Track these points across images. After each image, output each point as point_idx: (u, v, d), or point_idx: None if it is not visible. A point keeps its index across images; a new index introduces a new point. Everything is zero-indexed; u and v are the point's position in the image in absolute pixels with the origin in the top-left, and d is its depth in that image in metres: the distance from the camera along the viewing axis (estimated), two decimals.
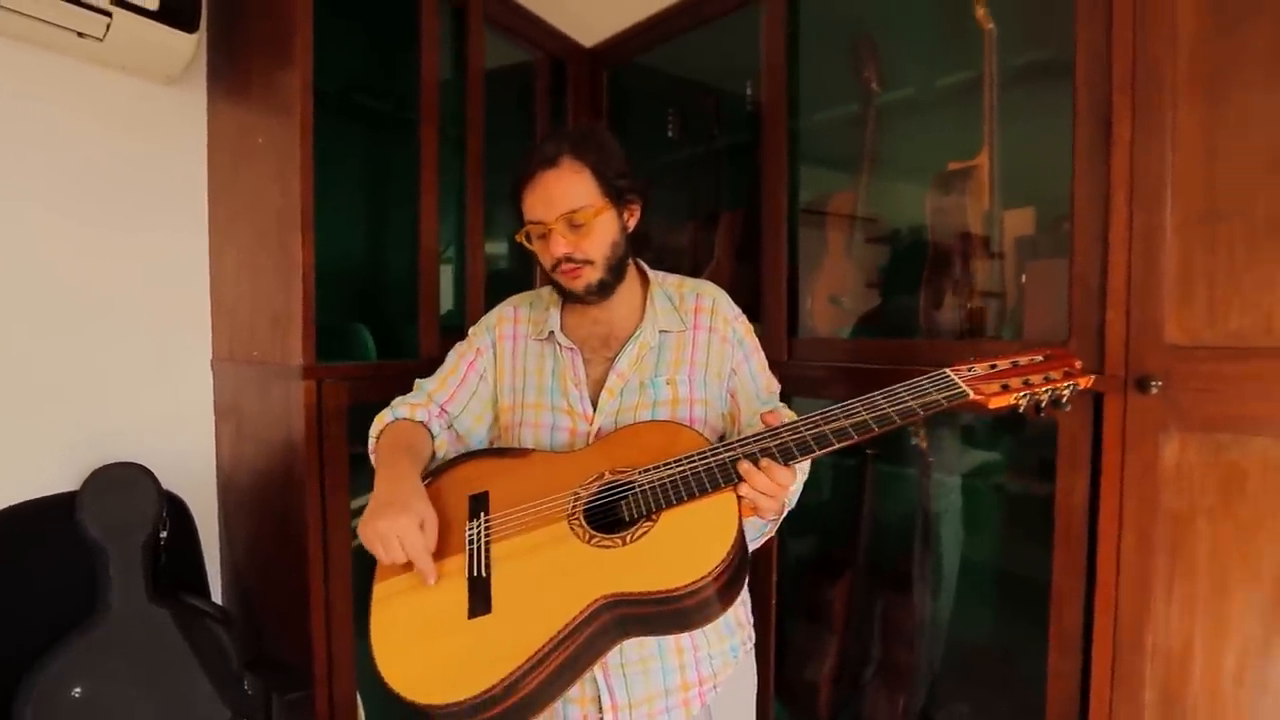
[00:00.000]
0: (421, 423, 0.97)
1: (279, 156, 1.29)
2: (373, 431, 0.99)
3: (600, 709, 0.86)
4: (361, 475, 1.52)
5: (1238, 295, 0.90)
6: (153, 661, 1.18)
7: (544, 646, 0.68)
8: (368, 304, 1.75)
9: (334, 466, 1.30)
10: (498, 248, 1.90)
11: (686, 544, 0.73)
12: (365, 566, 0.86)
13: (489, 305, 1.64)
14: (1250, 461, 0.90)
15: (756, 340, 1.01)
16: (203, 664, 1.22)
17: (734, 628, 0.95)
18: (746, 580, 0.97)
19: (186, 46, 1.31)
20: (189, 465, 1.50)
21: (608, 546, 0.75)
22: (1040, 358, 0.79)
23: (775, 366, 1.13)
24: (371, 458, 0.96)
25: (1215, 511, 0.93)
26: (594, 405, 0.92)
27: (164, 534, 1.27)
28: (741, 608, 0.97)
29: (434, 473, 0.93)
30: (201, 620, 1.25)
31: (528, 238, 0.93)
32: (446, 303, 1.68)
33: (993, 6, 1.26)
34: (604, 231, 0.90)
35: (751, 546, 0.93)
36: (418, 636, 0.75)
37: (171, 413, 1.48)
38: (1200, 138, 0.93)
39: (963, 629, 1.44)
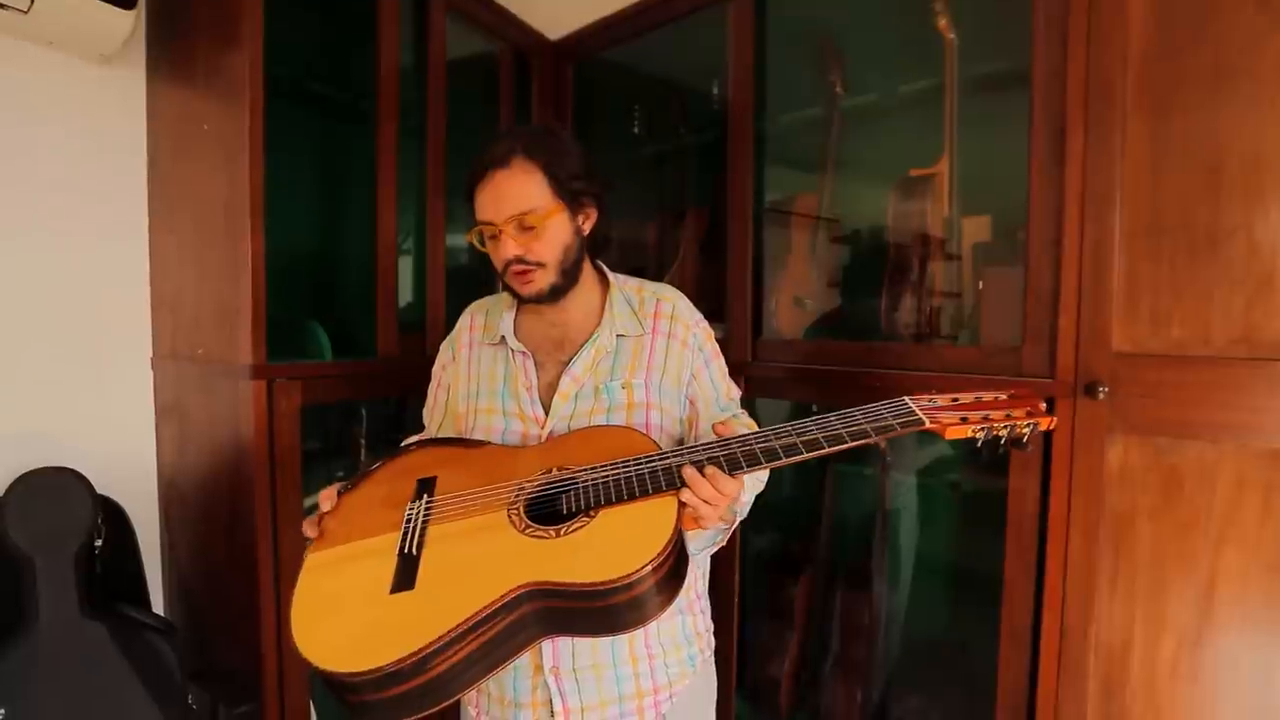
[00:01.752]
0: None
1: (226, 143, 1.23)
2: None
3: (552, 713, 0.86)
4: (314, 474, 1.48)
5: (1178, 306, 0.95)
6: (86, 678, 1.12)
7: (458, 626, 0.68)
8: (322, 299, 1.68)
9: (286, 469, 1.25)
10: (459, 240, 1.85)
11: (618, 541, 0.72)
12: None
13: (450, 300, 1.63)
14: (1187, 464, 0.95)
15: (717, 346, 1.00)
16: (142, 679, 1.16)
17: (692, 636, 0.94)
18: (701, 590, 0.97)
19: (123, 23, 1.23)
20: (127, 469, 1.42)
21: (540, 537, 0.75)
22: (1004, 395, 0.78)
23: (739, 367, 1.14)
24: None
25: (1155, 511, 0.98)
26: (546, 409, 0.91)
27: (99, 542, 1.20)
28: (700, 616, 0.97)
29: (388, 457, 0.93)
30: (141, 632, 1.19)
31: (479, 238, 0.91)
32: (405, 297, 1.63)
33: (954, 17, 1.28)
34: (555, 234, 0.88)
35: (702, 555, 0.93)
36: (337, 606, 0.75)
37: (107, 413, 1.40)
38: (1147, 153, 0.97)
39: (919, 623, 1.48)
